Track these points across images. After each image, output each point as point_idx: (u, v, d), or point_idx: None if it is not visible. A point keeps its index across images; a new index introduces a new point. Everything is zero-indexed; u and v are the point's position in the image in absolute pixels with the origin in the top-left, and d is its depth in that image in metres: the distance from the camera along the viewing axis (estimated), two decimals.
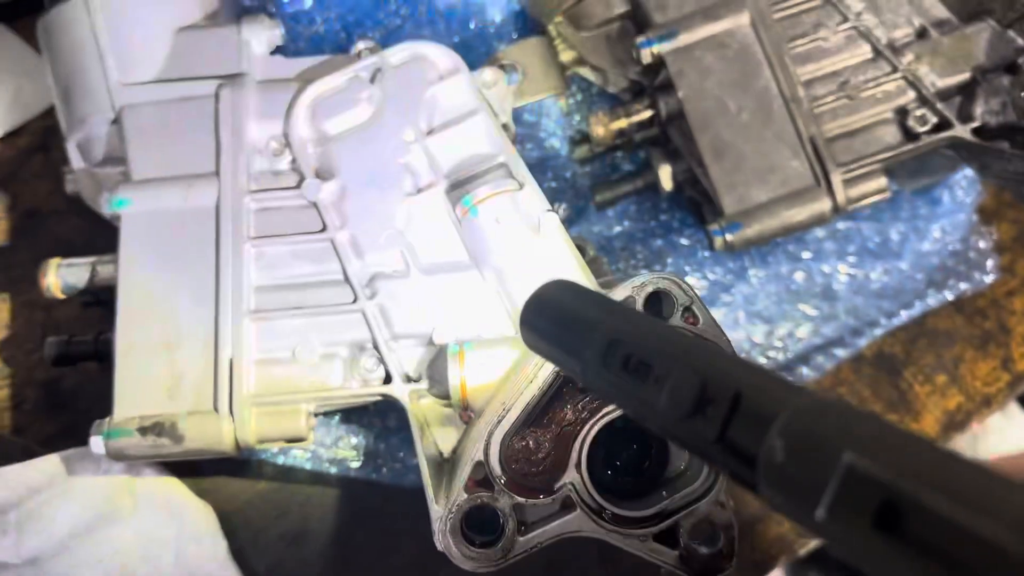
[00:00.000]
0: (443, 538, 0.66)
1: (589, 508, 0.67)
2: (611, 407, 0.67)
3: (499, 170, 0.87)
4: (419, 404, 0.84)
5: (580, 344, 0.47)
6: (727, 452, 0.38)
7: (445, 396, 0.78)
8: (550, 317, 0.52)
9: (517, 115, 1.17)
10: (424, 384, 0.82)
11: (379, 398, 0.85)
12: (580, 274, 0.79)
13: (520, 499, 0.67)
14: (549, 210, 0.80)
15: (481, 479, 0.68)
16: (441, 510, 0.66)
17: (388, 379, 0.84)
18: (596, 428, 0.68)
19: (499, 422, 0.67)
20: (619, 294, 0.68)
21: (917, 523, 0.30)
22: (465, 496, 0.66)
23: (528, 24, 1.18)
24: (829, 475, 0.32)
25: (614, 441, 0.71)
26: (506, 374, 0.75)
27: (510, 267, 0.82)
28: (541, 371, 0.67)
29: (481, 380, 0.76)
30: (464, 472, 0.67)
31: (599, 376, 0.45)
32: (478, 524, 0.69)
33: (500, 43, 1.16)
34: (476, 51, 1.16)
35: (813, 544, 1.11)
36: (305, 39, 1.11)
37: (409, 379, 0.84)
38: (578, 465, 0.67)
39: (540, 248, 0.82)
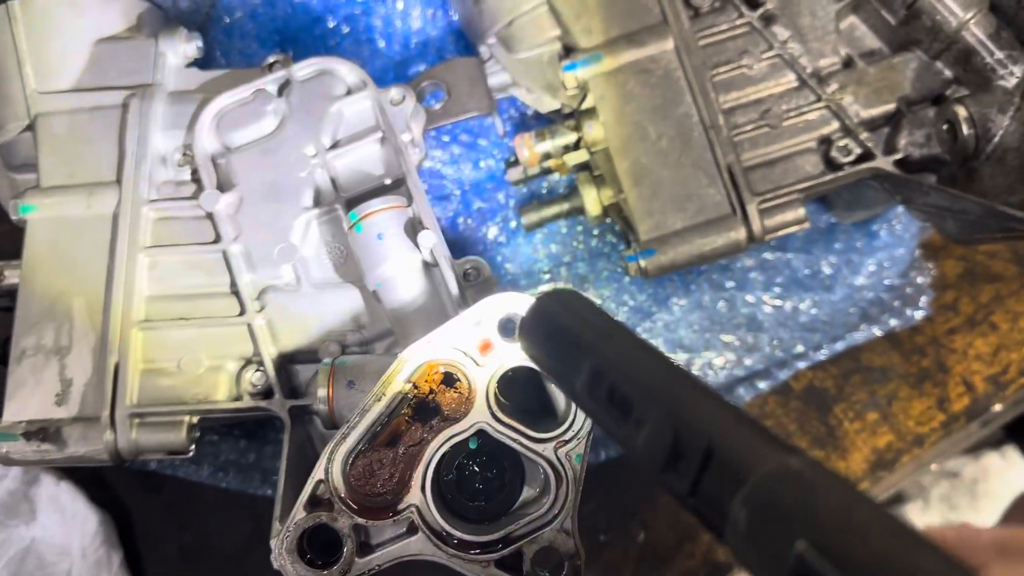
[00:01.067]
0: (279, 556, 0.65)
1: (432, 531, 0.65)
2: (459, 428, 0.66)
3: (396, 188, 0.86)
4: (304, 421, 0.84)
5: (571, 367, 0.47)
6: (701, 507, 0.39)
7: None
8: (546, 331, 0.52)
9: (453, 135, 1.17)
10: (303, 400, 0.82)
11: (263, 413, 0.84)
12: (453, 291, 0.78)
13: (360, 520, 0.65)
14: (426, 229, 0.79)
15: (325, 498, 0.66)
16: (280, 528, 0.65)
17: (271, 393, 0.83)
18: (442, 450, 0.66)
19: (343, 439, 0.66)
20: (471, 314, 0.66)
21: None
22: (304, 514, 0.65)
23: (468, 45, 1.18)
24: (784, 558, 0.33)
25: (469, 464, 0.69)
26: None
27: (390, 282, 0.81)
28: (389, 388, 0.66)
29: (350, 397, 0.75)
30: (305, 490, 0.66)
31: (587, 404, 0.46)
32: (326, 544, 0.67)
33: (438, 63, 1.16)
34: (414, 70, 1.17)
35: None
36: (237, 54, 1.11)
37: (295, 394, 0.84)
38: (422, 487, 0.66)
39: (418, 264, 0.81)
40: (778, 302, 1.09)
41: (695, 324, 1.08)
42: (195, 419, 0.84)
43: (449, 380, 0.67)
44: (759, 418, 1.09)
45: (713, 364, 1.07)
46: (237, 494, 1.02)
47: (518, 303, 0.66)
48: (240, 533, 1.01)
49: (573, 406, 0.66)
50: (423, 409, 0.67)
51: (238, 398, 0.85)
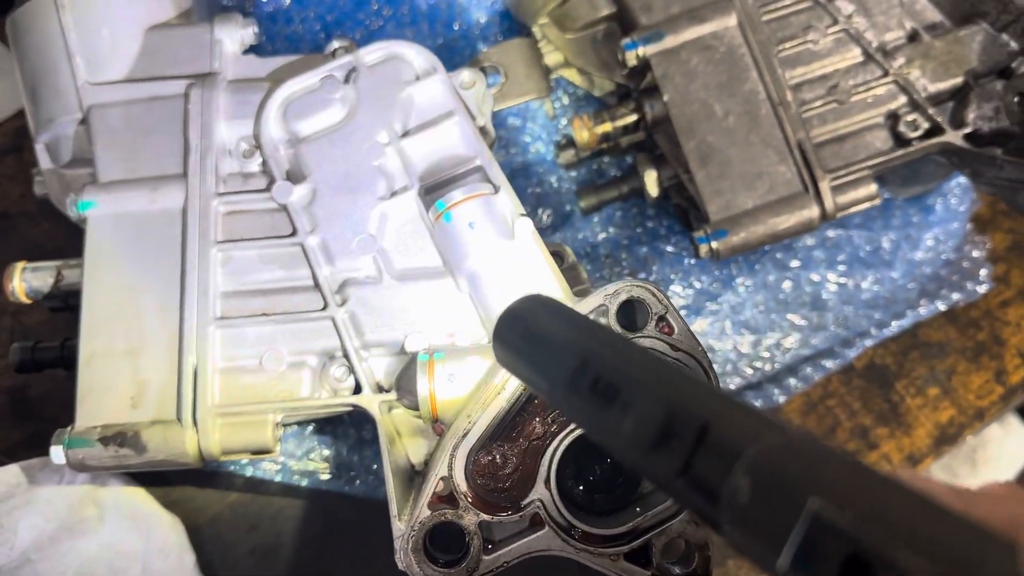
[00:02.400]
0: (404, 556, 0.63)
1: (558, 526, 0.64)
2: None
3: (474, 174, 0.84)
4: (391, 415, 0.82)
5: (550, 362, 0.45)
6: (690, 488, 0.36)
7: (415, 407, 0.76)
8: (522, 332, 0.50)
9: (501, 119, 1.15)
10: (395, 394, 0.80)
11: (350, 408, 0.82)
12: (554, 280, 0.76)
13: (486, 516, 0.64)
14: (523, 215, 0.77)
15: (446, 495, 0.65)
16: (403, 527, 0.64)
17: (358, 389, 0.81)
18: (566, 443, 0.65)
19: (464, 435, 0.64)
20: (592, 302, 0.65)
21: None
22: (428, 513, 0.63)
23: (512, 26, 1.16)
24: (794, 521, 0.30)
25: (585, 456, 0.68)
26: (477, 385, 0.72)
27: (483, 273, 0.79)
28: (509, 383, 0.64)
29: (451, 391, 0.73)
30: (428, 488, 0.64)
31: (566, 397, 0.43)
32: (444, 542, 0.66)
33: (483, 45, 1.14)
34: (460, 53, 1.14)
35: None
36: (283, 39, 1.08)
37: (380, 389, 0.82)
38: (547, 481, 0.65)
39: (514, 254, 0.79)
40: (842, 280, 1.08)
41: (761, 304, 1.07)
42: (279, 417, 0.82)
43: None
44: (824, 397, 1.09)
45: (781, 344, 1.07)
46: (306, 491, 1.00)
47: (637, 290, 0.64)
48: (312, 530, 0.98)
49: None
50: (543, 401, 0.65)
51: (321, 394, 0.83)
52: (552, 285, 0.77)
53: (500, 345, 0.52)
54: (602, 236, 1.10)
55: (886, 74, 0.98)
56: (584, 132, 1.04)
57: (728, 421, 0.36)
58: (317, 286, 0.84)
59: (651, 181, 1.05)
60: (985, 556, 0.28)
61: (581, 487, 0.67)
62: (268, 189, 0.86)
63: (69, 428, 0.82)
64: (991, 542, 0.28)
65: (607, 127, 1.03)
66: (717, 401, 0.38)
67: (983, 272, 1.11)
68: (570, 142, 1.12)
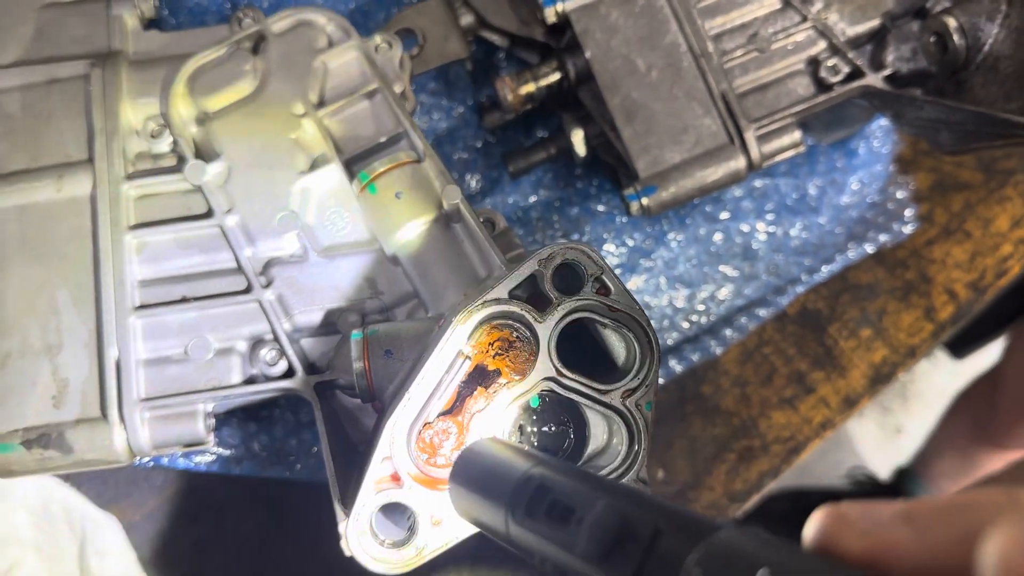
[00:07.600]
0: (352, 541, 0.62)
1: None
2: (523, 388, 0.63)
3: (397, 142, 0.82)
4: (327, 396, 0.80)
5: (506, 493, 0.49)
6: None
7: (351, 386, 0.74)
8: (478, 468, 0.55)
9: (421, 84, 1.12)
10: (329, 375, 0.77)
11: (284, 393, 0.80)
12: (487, 248, 0.75)
13: (432, 492, 0.62)
14: (450, 184, 0.75)
15: (389, 474, 0.63)
16: (347, 511, 0.62)
17: (291, 372, 0.79)
18: (509, 412, 0.64)
19: (403, 411, 0.62)
20: (527, 268, 0.63)
21: None
22: (372, 494, 0.62)
23: None
24: None
25: (531, 423, 0.67)
26: (414, 360, 0.70)
27: (414, 244, 0.77)
28: (444, 353, 0.62)
29: (387, 368, 0.71)
30: (370, 469, 0.62)
31: (524, 523, 0.47)
32: (391, 522, 0.64)
33: (398, 8, 1.10)
34: (373, 17, 1.10)
35: (748, 505, 1.09)
36: (186, 12, 1.03)
37: (313, 370, 0.79)
38: None
39: (444, 222, 0.77)
40: (771, 229, 1.09)
41: (693, 258, 1.07)
42: (210, 407, 0.79)
43: (507, 339, 0.64)
44: (759, 345, 1.10)
45: (715, 296, 1.07)
46: (245, 480, 0.97)
47: (572, 253, 0.63)
48: (255, 520, 0.96)
49: (638, 351, 0.64)
50: (482, 372, 0.64)
51: (253, 380, 0.80)
52: (485, 253, 0.75)
53: (456, 489, 0.56)
54: (533, 199, 1.09)
55: (804, 20, 0.97)
56: (509, 94, 1.01)
57: (678, 523, 0.39)
58: (240, 268, 0.81)
59: (578, 140, 1.03)
60: None
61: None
62: (180, 169, 0.82)
63: None
64: None
65: (530, 87, 1.01)
66: (666, 504, 0.42)
67: (908, 212, 1.13)
68: (494, 104, 1.10)
